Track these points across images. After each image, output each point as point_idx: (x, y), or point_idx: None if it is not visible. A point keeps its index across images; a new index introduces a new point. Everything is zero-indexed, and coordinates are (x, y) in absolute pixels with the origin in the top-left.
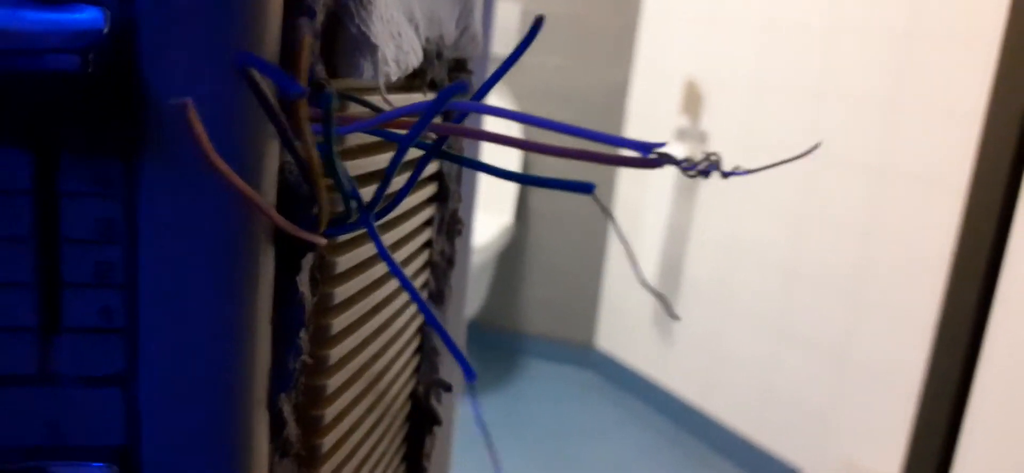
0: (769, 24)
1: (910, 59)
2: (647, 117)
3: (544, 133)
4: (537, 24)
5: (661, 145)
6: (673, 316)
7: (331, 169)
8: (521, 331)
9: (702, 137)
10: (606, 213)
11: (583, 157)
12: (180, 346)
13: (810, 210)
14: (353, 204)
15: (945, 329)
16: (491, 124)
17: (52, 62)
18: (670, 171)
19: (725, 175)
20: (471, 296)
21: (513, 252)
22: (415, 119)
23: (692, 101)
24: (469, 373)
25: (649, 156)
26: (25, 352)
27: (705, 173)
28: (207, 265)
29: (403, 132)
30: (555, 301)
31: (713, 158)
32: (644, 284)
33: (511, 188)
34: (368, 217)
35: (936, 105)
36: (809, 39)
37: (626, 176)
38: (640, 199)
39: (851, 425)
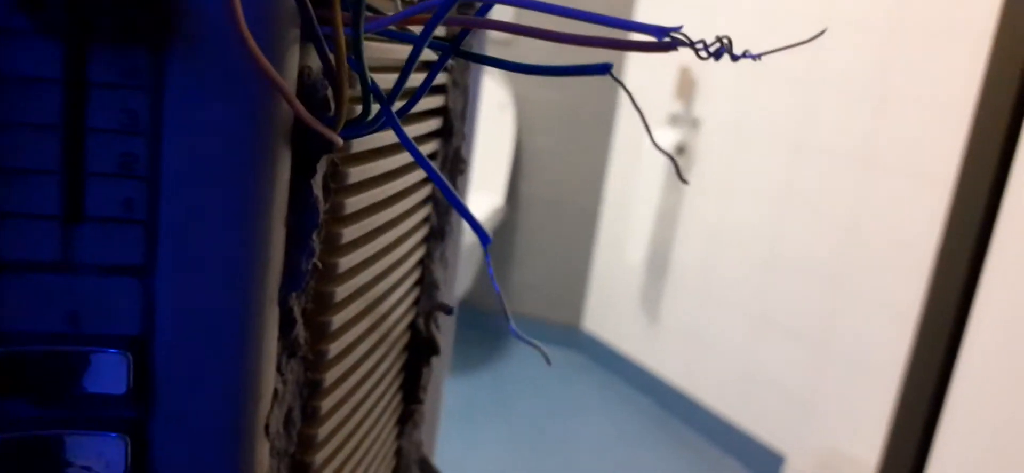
0: (764, 12)
1: (900, 50)
2: (641, 102)
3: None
4: None
5: (677, 28)
6: (683, 180)
7: (357, 63)
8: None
9: (695, 123)
10: (623, 87)
11: (598, 43)
12: (197, 239)
13: (796, 198)
14: (373, 101)
15: (928, 318)
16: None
17: None
18: (660, 161)
19: (734, 58)
20: (461, 277)
21: (503, 234)
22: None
23: (686, 87)
24: (484, 239)
25: (664, 40)
26: (48, 239)
27: (717, 55)
28: (227, 160)
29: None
30: (544, 283)
31: (725, 41)
32: (657, 147)
33: (503, 170)
34: (388, 109)
35: (924, 97)
36: (802, 28)
37: (617, 165)
38: (630, 187)
39: (832, 411)
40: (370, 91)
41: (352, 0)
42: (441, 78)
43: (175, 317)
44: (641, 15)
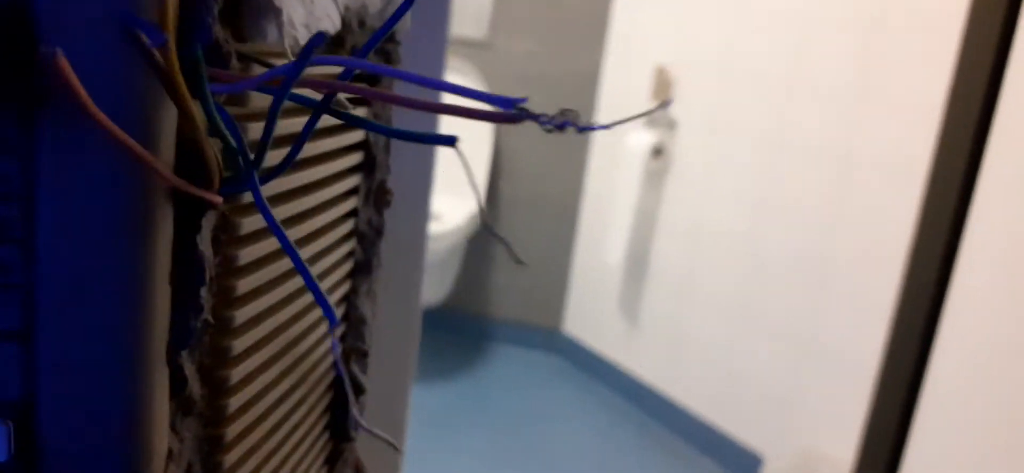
0: (740, 12)
1: (878, 49)
2: (618, 103)
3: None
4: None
5: (523, 100)
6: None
7: (215, 126)
8: (489, 316)
9: (671, 123)
10: (466, 168)
11: (445, 111)
12: (77, 301)
13: (774, 198)
14: (241, 162)
15: (901, 316)
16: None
17: None
18: (639, 159)
19: (580, 130)
20: (440, 280)
21: (482, 237)
22: (330, 80)
23: (662, 87)
24: (331, 318)
25: (511, 111)
26: None
27: (561, 127)
28: (103, 222)
29: (318, 95)
30: (524, 286)
31: (569, 114)
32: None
33: (481, 173)
34: (252, 173)
35: (902, 96)
36: (779, 27)
37: (596, 163)
38: (609, 186)
39: (811, 411)
40: (236, 152)
41: (191, 69)
42: (360, 112)
43: (58, 381)
44: (618, 16)
